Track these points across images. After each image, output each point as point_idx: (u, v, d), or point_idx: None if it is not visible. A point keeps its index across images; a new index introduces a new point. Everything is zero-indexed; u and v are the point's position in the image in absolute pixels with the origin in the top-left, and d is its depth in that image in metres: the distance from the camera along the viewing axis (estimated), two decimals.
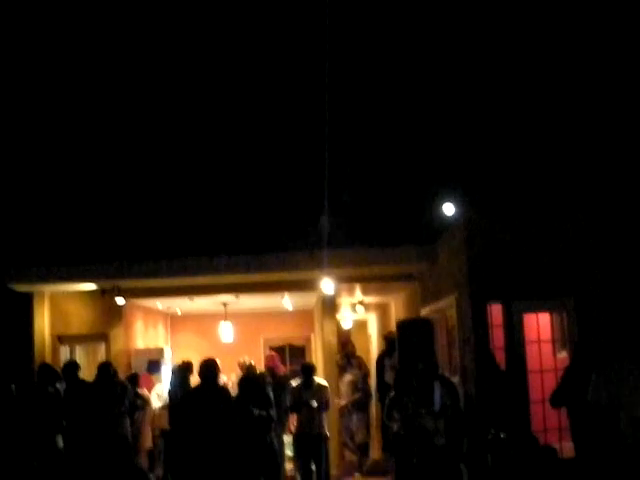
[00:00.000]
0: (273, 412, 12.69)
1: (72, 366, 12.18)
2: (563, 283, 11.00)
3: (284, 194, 13.56)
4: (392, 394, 12.30)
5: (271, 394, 13.05)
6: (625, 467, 8.30)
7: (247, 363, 14.39)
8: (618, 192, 11.06)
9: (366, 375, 16.08)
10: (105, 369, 11.84)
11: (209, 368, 9.78)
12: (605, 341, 10.41)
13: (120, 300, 14.72)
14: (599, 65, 12.05)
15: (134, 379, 13.13)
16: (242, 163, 13.96)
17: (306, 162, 13.07)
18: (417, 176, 12.63)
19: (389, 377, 13.19)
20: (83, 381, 12.01)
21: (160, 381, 14.62)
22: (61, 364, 13.05)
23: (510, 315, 11.05)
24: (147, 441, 13.22)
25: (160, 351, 16.24)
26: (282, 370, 15.44)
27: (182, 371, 12.83)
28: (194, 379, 12.41)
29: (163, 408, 13.50)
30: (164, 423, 13.10)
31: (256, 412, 11.77)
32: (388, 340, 14.28)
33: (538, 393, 10.71)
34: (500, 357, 10.94)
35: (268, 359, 15.08)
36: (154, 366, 15.12)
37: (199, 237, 13.47)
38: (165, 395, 13.67)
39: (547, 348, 11.39)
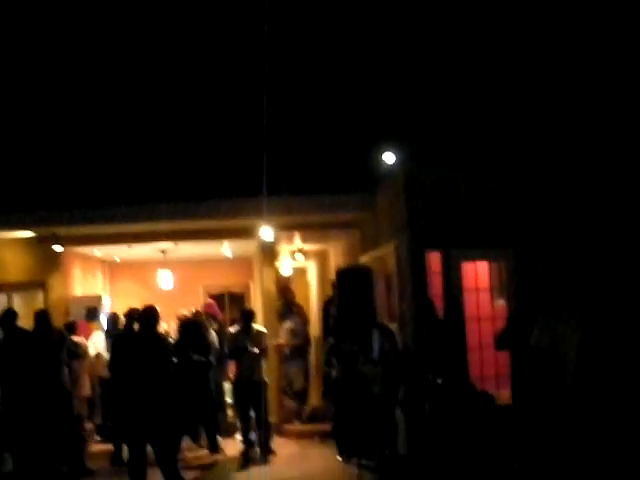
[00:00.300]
0: (212, 358, 12.76)
1: (10, 314, 12.04)
2: (502, 232, 11.11)
3: (222, 141, 13.44)
4: (331, 341, 12.41)
5: (215, 340, 13.13)
6: (561, 413, 8.48)
7: (186, 315, 14.42)
8: (558, 144, 11.14)
9: (305, 322, 16.16)
10: (42, 317, 11.72)
11: (149, 315, 9.78)
12: (542, 290, 10.56)
13: (58, 247, 14.58)
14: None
15: (71, 327, 13.01)
16: (181, 109, 13.79)
17: (245, 108, 12.95)
18: (358, 124, 12.59)
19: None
20: (21, 329, 11.89)
21: (98, 329, 14.51)
22: None
23: (448, 263, 11.16)
24: (86, 389, 13.15)
25: (98, 299, 16.14)
26: (221, 317, 15.47)
27: (128, 318, 12.75)
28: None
29: (100, 356, 13.41)
30: (102, 371, 13.05)
31: (195, 357, 11.82)
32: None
33: (476, 340, 10.86)
34: (438, 304, 11.04)
35: (207, 306, 15.09)
36: (92, 314, 15.02)
37: (137, 184, 13.32)
38: (102, 343, 13.56)
39: (485, 296, 11.54)
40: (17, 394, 11.30)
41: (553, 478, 8.60)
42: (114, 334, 12.97)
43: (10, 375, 11.32)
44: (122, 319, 13.34)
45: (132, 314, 12.72)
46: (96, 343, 13.73)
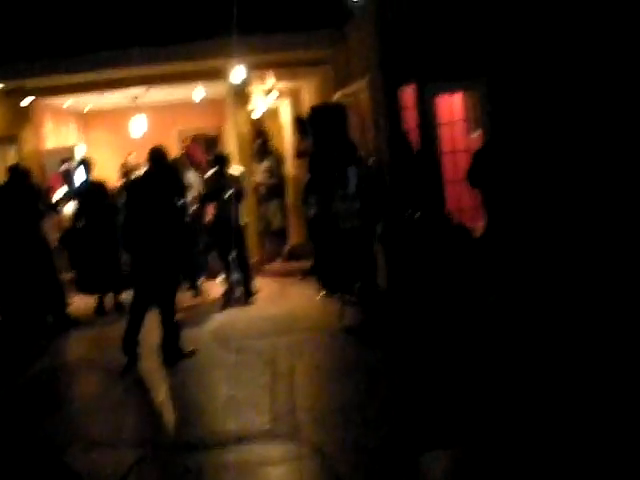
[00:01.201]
0: (188, 201, 12.80)
1: None
2: (476, 63, 10.96)
3: None
4: (308, 178, 12.43)
5: (195, 182, 13.12)
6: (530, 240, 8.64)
7: (131, 163, 14.47)
8: None
9: (280, 162, 16.18)
10: (15, 171, 11.67)
11: (159, 155, 9.82)
12: (517, 120, 10.54)
13: (26, 100, 14.40)
14: None
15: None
16: None
17: None
18: None
19: None
20: None
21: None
22: None
23: (423, 96, 11.05)
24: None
25: (72, 149, 16.02)
26: (202, 159, 15.43)
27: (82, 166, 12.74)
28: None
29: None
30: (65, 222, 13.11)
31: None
32: None
33: (452, 173, 10.88)
34: (413, 139, 11.02)
35: (188, 148, 15.05)
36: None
37: (107, 29, 12.96)
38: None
39: (460, 128, 11.50)
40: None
41: (527, 309, 8.81)
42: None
43: None
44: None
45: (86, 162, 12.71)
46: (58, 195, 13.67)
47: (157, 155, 9.77)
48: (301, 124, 14.73)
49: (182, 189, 11.62)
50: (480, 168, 9.41)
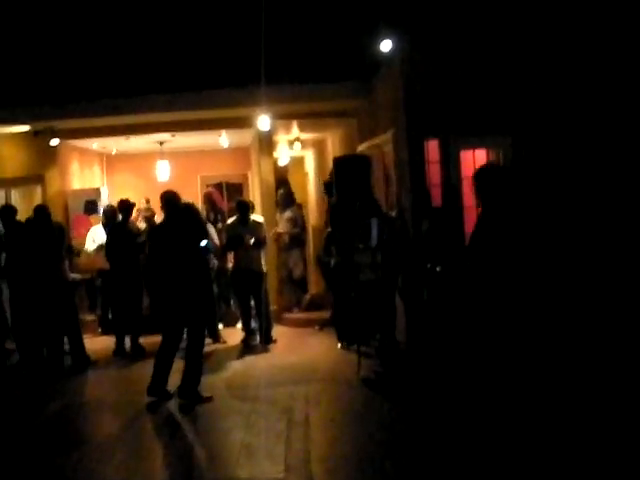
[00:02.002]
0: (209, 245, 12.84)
1: (9, 210, 12.09)
2: (501, 120, 11.02)
3: (219, 30, 13.20)
4: (329, 230, 12.46)
5: (212, 231, 13.15)
6: None
7: (146, 206, 14.51)
8: (558, 30, 10.96)
9: (302, 211, 16.23)
10: (41, 211, 11.76)
11: (171, 197, 9.87)
12: (540, 179, 10.57)
13: (55, 141, 14.54)
14: None
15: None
16: None
17: None
18: (354, 11, 12.35)
19: None
20: (21, 223, 11.96)
21: (98, 222, 14.51)
22: None
23: (447, 151, 11.10)
24: None
25: (96, 191, 16.14)
26: (223, 205, 15.49)
27: (122, 210, 12.78)
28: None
29: (100, 249, 13.45)
30: (101, 264, 13.17)
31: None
32: None
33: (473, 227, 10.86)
34: (436, 193, 11.03)
35: (209, 194, 15.10)
36: (91, 206, 15.04)
37: (134, 75, 13.14)
38: (102, 236, 13.55)
39: None
40: (21, 287, 11.45)
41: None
42: (114, 225, 12.94)
43: (14, 267, 11.47)
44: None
45: (127, 205, 12.75)
46: (95, 236, 13.79)
47: (169, 199, 9.83)
48: (329, 188, 14.79)
49: (203, 230, 11.75)
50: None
